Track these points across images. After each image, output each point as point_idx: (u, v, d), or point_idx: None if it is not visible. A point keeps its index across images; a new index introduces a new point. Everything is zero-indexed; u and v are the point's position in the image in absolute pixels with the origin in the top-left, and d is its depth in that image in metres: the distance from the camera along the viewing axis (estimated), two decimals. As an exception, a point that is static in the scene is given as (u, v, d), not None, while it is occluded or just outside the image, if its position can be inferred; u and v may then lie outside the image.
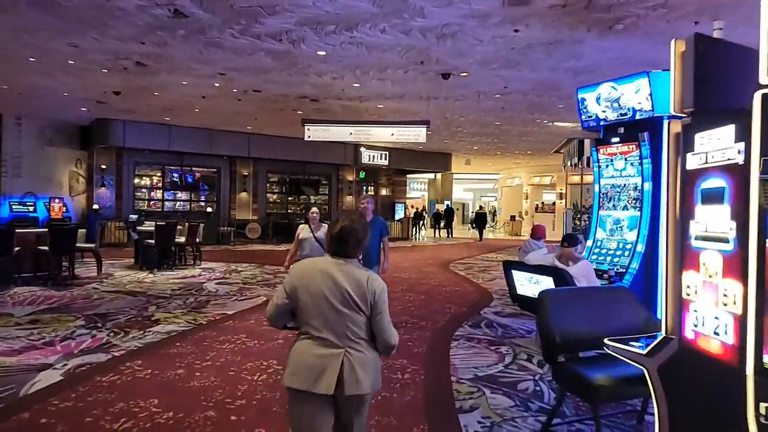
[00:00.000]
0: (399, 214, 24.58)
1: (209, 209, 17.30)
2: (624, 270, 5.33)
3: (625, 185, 5.60)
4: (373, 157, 21.14)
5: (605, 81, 5.73)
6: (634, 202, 5.47)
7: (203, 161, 19.26)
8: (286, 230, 18.94)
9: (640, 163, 5.40)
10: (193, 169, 19.63)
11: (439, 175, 34.34)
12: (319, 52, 8.46)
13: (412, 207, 27.26)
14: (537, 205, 29.32)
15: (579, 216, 19.85)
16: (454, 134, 17.36)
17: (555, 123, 14.56)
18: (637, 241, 5.35)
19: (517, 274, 5.30)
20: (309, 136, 11.71)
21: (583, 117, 6.22)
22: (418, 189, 34.02)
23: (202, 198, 20.09)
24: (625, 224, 5.58)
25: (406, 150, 22.09)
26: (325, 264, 2.29)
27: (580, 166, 19.27)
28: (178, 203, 19.50)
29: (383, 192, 24.58)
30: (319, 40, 7.88)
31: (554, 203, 28.86)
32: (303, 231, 5.85)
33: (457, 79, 9.90)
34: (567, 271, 4.77)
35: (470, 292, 8.74)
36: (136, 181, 18.57)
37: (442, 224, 26.14)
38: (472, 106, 12.25)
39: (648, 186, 5.32)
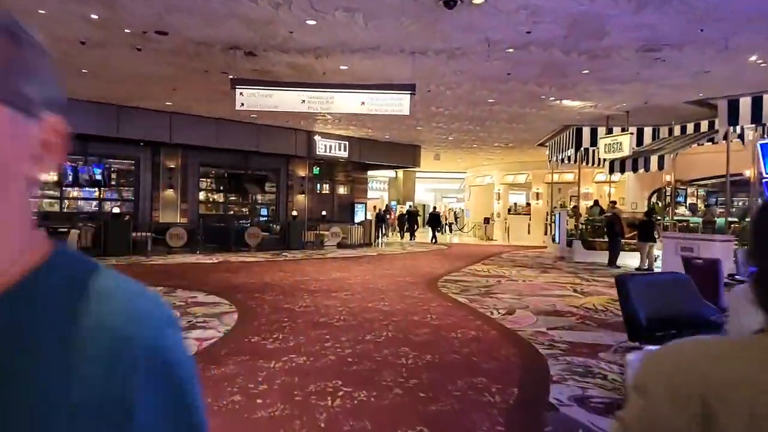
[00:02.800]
0: (359, 216, 21.15)
1: (116, 210, 13.31)
2: None
3: None
4: (330, 147, 17.63)
5: None
6: None
7: (115, 149, 15.20)
8: (221, 236, 15.22)
9: None
10: (103, 160, 15.56)
11: (400, 173, 31.19)
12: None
13: (377, 209, 24.11)
14: (510, 207, 26.59)
15: (576, 217, 16.89)
16: (431, 117, 14.10)
17: (563, 101, 11.55)
18: None
19: None
20: (242, 104, 8.15)
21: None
22: (377, 188, 30.74)
23: (128, 196, 16.16)
24: None
25: (369, 140, 18.72)
26: None
27: (576, 160, 16.51)
28: (92, 202, 15.44)
29: (341, 191, 21.12)
30: None
31: (528, 204, 26.21)
32: None
33: (465, 12, 6.59)
34: None
35: (499, 344, 5.40)
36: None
37: (405, 227, 23.42)
38: (471, 67, 8.98)
39: None
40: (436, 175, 32.96)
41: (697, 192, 19.69)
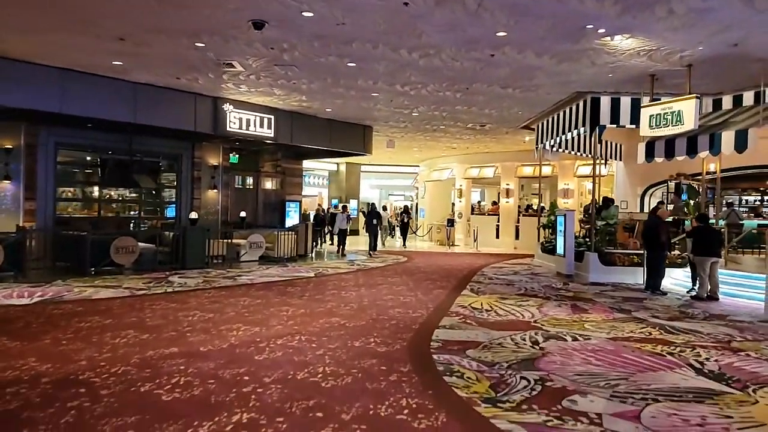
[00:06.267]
0: (293, 218, 16.24)
1: None
2: None
3: None
4: (248, 122, 12.60)
5: None
6: None
7: None
8: (76, 248, 9.92)
9: None
10: None
11: (342, 166, 26.46)
12: None
13: (322, 208, 19.39)
14: (473, 206, 22.52)
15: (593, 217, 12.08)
16: (397, 73, 9.50)
17: (614, 38, 7.28)
18: None
19: None
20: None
21: None
22: (314, 184, 25.91)
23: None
24: None
25: (303, 115, 13.88)
26: None
27: (587, 146, 12.31)
28: None
29: (268, 185, 16.14)
30: None
31: (495, 203, 22.25)
32: None
33: None
34: None
35: None
36: None
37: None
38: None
39: None
40: (383, 168, 28.48)
41: (703, 188, 16.04)
